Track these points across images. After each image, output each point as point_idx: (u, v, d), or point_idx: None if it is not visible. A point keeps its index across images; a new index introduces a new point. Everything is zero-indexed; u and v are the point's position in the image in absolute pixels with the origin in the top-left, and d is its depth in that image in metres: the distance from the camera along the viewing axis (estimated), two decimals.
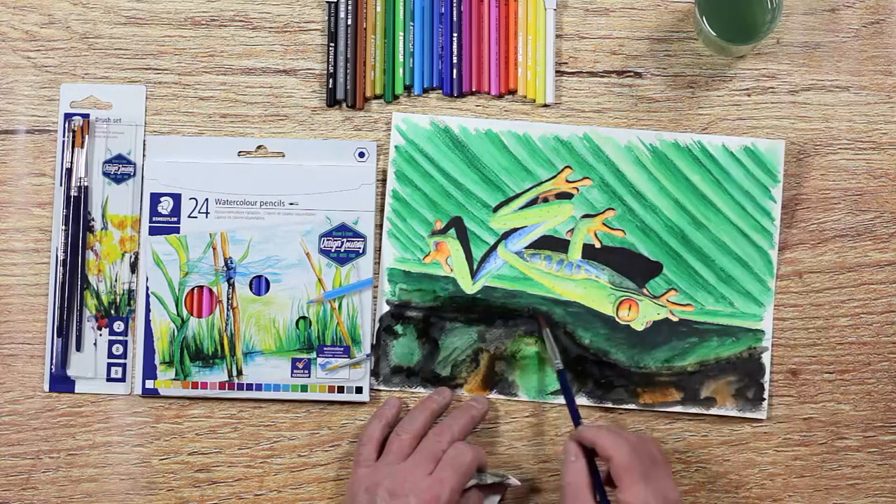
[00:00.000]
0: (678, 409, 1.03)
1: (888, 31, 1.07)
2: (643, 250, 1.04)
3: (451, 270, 1.04)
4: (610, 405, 1.03)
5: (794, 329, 1.04)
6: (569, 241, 1.04)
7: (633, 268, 1.04)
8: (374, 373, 1.04)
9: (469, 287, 1.04)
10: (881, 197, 1.05)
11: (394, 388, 1.04)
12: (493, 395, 1.04)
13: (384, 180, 1.05)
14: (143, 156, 1.05)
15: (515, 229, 1.05)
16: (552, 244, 1.04)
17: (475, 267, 1.04)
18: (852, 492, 1.03)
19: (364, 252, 1.04)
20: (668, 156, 1.04)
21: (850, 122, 1.06)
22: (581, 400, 1.03)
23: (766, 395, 1.03)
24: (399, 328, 1.04)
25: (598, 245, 1.04)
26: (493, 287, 1.04)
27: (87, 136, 1.05)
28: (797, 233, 1.05)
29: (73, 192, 1.04)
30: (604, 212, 1.04)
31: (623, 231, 1.04)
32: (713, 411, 1.03)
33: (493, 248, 1.04)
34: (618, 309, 1.04)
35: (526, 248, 1.04)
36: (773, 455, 1.03)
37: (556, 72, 1.06)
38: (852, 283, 1.05)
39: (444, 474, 0.94)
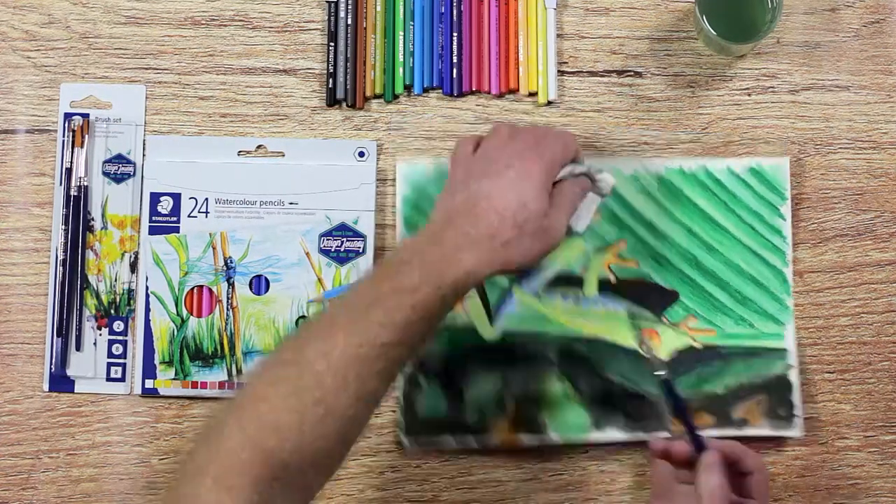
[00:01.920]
0: (714, 433, 1.00)
1: (888, 30, 1.07)
2: (658, 279, 1.03)
3: (468, 314, 1.03)
4: (642, 435, 1.02)
5: (794, 329, 1.04)
6: (583, 278, 1.03)
7: (649, 297, 1.03)
8: (407, 430, 1.02)
9: (488, 332, 1.02)
10: (881, 196, 1.05)
11: (430, 448, 1.02)
12: (525, 437, 1.02)
13: (382, 179, 1.05)
14: (143, 155, 1.05)
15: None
16: (567, 281, 1.03)
17: (492, 310, 1.03)
18: (852, 492, 1.03)
19: (364, 252, 1.04)
20: (675, 183, 1.03)
21: (850, 122, 1.06)
22: (613, 434, 1.01)
23: (797, 413, 1.01)
24: (422, 380, 1.03)
25: (612, 279, 1.03)
26: (513, 330, 1.03)
27: (86, 136, 1.05)
28: (797, 232, 1.05)
29: (73, 192, 1.04)
30: (615, 243, 1.04)
31: (636, 262, 1.03)
32: (747, 432, 1.01)
33: (509, 289, 1.03)
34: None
35: (542, 287, 1.03)
36: (774, 455, 1.03)
37: (557, 71, 1.06)
38: (853, 282, 1.04)
39: (552, 145, 0.90)
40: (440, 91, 1.06)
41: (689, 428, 0.94)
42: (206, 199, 1.04)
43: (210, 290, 1.04)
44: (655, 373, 0.98)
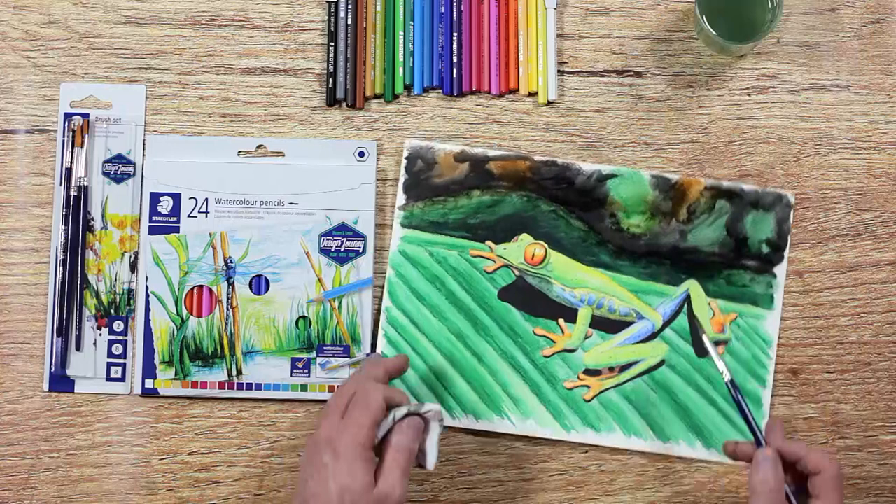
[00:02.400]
0: None
1: (888, 30, 1.07)
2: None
3: None
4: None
5: (795, 329, 1.04)
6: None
7: None
8: None
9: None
10: (881, 196, 1.05)
11: None
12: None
13: (383, 179, 1.05)
14: (143, 155, 1.05)
15: None
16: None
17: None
18: (853, 492, 1.03)
19: (364, 252, 1.04)
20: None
21: (850, 122, 1.06)
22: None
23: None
24: None
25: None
26: None
27: (86, 136, 1.05)
28: (798, 232, 1.05)
29: (73, 192, 1.04)
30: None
31: None
32: None
33: None
34: None
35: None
36: None
37: (557, 71, 1.06)
38: (853, 282, 1.04)
39: (354, 413, 0.89)
40: (440, 91, 1.06)
41: (750, 426, 0.94)
42: (206, 199, 1.04)
43: (210, 290, 1.04)
44: (721, 373, 0.97)
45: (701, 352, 1.03)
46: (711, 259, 1.04)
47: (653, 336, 1.03)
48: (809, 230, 1.05)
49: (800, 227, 1.05)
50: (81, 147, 1.04)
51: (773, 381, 1.03)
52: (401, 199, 1.04)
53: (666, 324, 1.03)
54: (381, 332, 1.03)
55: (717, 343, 1.03)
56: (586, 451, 1.03)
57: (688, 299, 1.03)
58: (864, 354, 1.04)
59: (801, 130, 1.06)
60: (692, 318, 1.03)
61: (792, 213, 1.04)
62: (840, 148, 1.06)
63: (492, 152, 1.04)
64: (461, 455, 1.03)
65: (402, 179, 1.04)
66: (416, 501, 1.03)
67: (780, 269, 1.03)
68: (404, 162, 1.04)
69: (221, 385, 1.03)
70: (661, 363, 1.03)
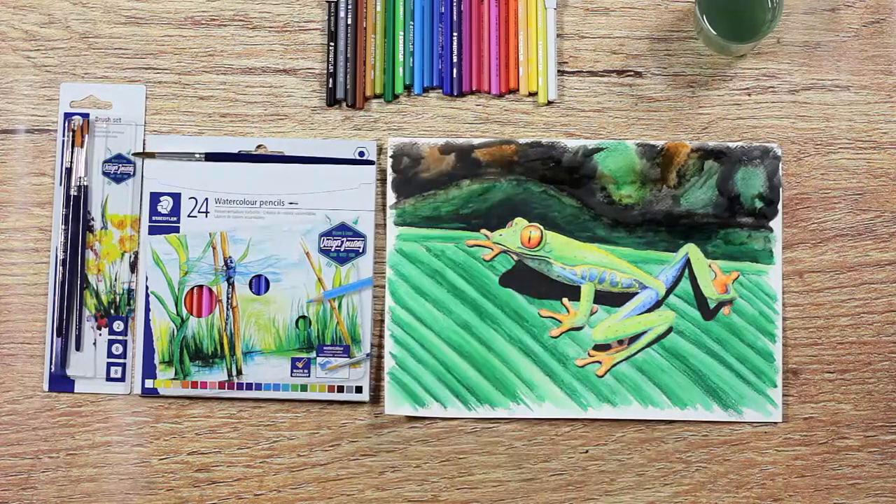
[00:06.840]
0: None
1: (888, 30, 1.07)
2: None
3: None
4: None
5: (795, 328, 1.04)
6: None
7: None
8: None
9: None
10: (881, 196, 1.05)
11: None
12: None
13: (383, 180, 1.05)
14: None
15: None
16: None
17: None
18: (853, 492, 1.03)
19: (364, 252, 1.04)
20: None
21: (850, 122, 1.06)
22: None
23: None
24: None
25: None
26: None
27: (86, 136, 1.05)
28: (798, 232, 1.05)
29: (73, 192, 1.04)
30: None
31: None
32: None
33: None
34: None
35: None
36: (774, 455, 1.03)
37: (557, 71, 1.06)
38: (853, 282, 1.04)
39: None
40: (440, 91, 1.06)
41: None
42: (206, 199, 1.04)
43: (210, 290, 1.04)
44: None
45: (707, 314, 1.03)
46: (706, 220, 1.04)
47: (658, 304, 1.04)
48: (809, 230, 1.05)
49: (800, 227, 1.05)
50: (81, 147, 1.04)
51: (783, 335, 1.04)
52: (391, 197, 1.04)
53: (669, 290, 1.04)
54: (387, 333, 1.03)
55: (722, 303, 1.03)
56: (586, 451, 1.03)
57: (688, 263, 1.04)
58: (864, 354, 1.04)
59: (801, 130, 1.06)
60: (693, 279, 1.04)
61: (781, 164, 1.04)
62: (840, 148, 1.06)
63: (476, 140, 1.04)
64: (461, 455, 1.03)
65: (390, 178, 1.04)
66: (416, 501, 1.03)
67: (776, 223, 1.04)
68: (390, 161, 1.04)
69: (221, 385, 1.03)
70: (670, 330, 1.03)
